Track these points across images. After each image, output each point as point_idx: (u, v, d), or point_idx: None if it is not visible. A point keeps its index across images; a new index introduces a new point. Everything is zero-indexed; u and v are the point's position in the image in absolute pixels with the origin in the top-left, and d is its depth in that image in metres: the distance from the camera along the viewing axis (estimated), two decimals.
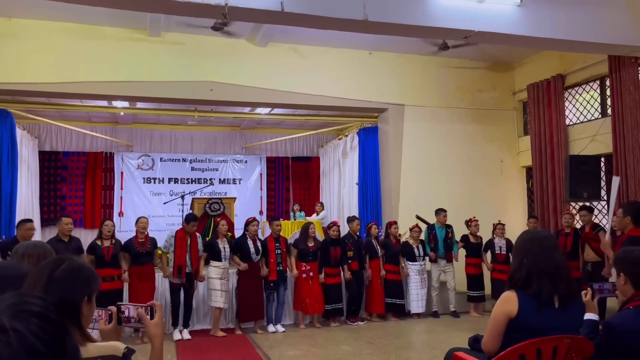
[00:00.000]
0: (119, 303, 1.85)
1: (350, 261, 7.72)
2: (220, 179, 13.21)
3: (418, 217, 8.70)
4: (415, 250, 8.14)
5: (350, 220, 8.12)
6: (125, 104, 10.19)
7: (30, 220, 6.47)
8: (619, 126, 7.84)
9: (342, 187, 11.66)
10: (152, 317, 1.81)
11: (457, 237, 8.49)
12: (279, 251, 7.41)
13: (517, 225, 8.96)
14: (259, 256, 7.30)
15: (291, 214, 12.09)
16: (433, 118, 9.56)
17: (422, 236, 8.40)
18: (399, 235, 8.28)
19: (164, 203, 11.66)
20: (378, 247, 8.07)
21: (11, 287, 1.45)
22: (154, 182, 12.87)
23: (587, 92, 8.93)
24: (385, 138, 9.68)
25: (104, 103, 10.10)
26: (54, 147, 12.13)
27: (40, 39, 7.82)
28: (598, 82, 8.68)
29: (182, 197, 10.35)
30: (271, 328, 7.35)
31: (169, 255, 7.00)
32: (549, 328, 2.39)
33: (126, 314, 1.81)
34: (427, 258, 8.23)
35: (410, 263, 8.15)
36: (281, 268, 7.38)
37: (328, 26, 6.18)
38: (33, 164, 11.09)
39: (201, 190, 12.21)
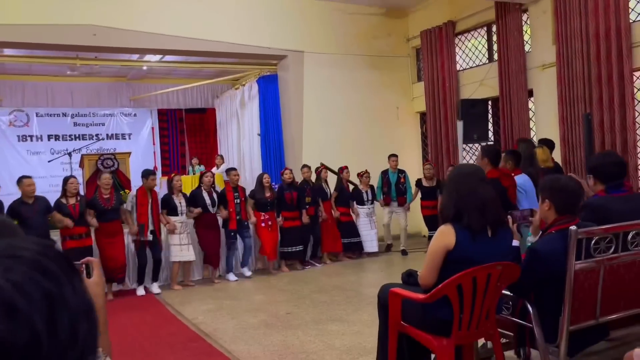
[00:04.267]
0: None
1: (308, 206, 7.91)
2: (108, 134, 12.29)
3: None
4: (364, 194, 8.54)
5: (305, 167, 8.32)
6: None
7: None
8: (505, 70, 8.36)
9: (242, 138, 11.37)
10: (89, 276, 1.58)
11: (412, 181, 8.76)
12: (237, 201, 7.45)
13: (413, 168, 9.37)
14: (215, 207, 7.31)
15: (189, 168, 11.63)
16: (332, 65, 9.52)
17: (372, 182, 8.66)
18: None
19: (48, 162, 10.63)
20: (328, 190, 8.37)
21: None
22: (31, 140, 11.68)
23: (476, 39, 9.37)
24: (285, 86, 9.51)
25: None
26: None
27: None
28: (485, 28, 9.12)
29: (69, 154, 9.48)
30: (232, 277, 7.37)
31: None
32: (484, 257, 2.49)
33: None
34: (375, 202, 8.64)
35: (359, 206, 8.54)
36: (240, 217, 7.43)
37: None
38: None
39: (87, 147, 11.28)
